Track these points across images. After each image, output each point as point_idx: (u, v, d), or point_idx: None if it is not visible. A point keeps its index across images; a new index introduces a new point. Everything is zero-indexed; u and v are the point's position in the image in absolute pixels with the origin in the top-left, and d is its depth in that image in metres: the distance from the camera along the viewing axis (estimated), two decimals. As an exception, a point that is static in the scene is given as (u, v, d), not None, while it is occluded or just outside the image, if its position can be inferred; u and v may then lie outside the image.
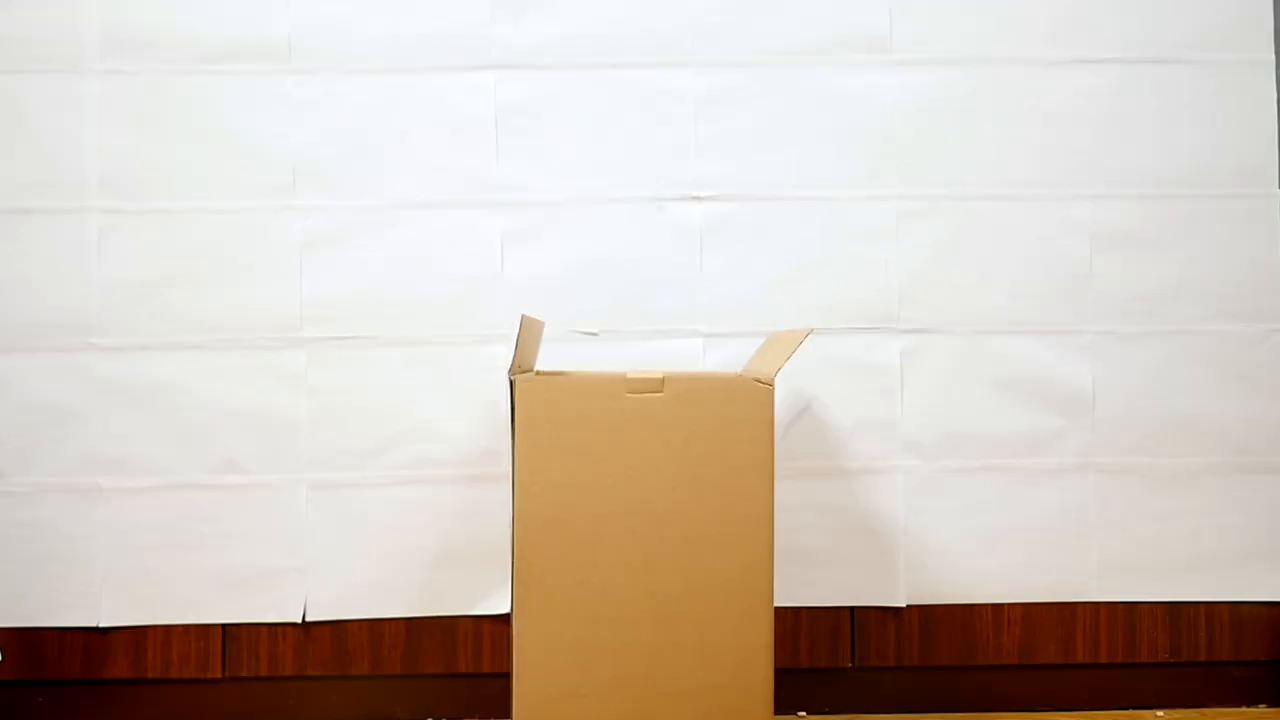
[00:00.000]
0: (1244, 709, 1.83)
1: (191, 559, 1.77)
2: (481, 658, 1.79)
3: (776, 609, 1.42)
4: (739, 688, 1.41)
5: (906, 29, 1.82)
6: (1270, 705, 1.83)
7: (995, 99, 1.82)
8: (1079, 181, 1.83)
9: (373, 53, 1.80)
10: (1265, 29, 1.83)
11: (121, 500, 1.77)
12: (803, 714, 1.80)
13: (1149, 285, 1.82)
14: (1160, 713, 1.81)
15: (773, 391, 1.42)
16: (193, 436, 1.78)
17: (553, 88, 1.81)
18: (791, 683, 1.75)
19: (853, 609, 1.81)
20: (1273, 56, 1.83)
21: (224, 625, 1.78)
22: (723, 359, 1.79)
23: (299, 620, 1.78)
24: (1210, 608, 1.82)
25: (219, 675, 1.78)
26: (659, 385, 1.42)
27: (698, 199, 1.81)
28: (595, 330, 1.80)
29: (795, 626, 1.80)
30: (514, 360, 1.47)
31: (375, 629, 1.79)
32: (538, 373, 1.50)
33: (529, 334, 1.50)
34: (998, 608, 1.82)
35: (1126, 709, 1.83)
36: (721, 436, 1.41)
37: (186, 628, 1.78)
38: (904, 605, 1.81)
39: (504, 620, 1.77)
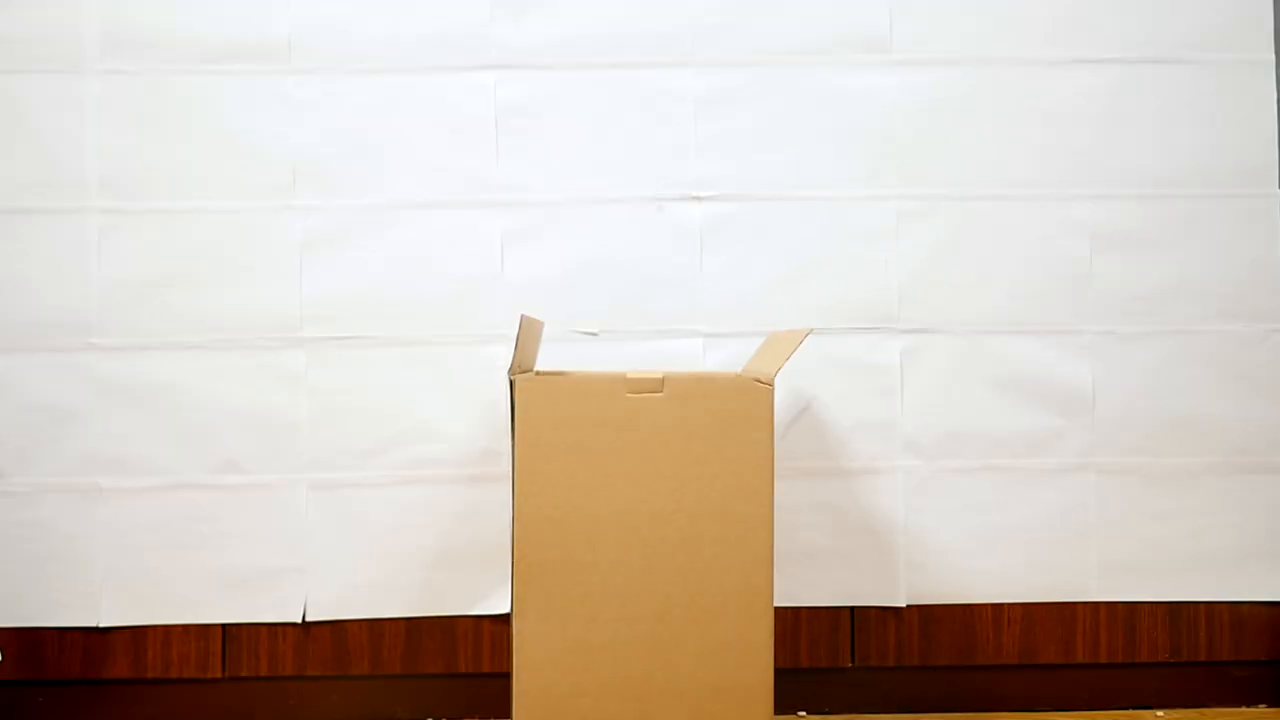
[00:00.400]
0: (1244, 709, 1.83)
1: (191, 559, 1.77)
2: (481, 658, 1.79)
3: (776, 609, 1.43)
4: (739, 688, 1.41)
5: (906, 29, 1.82)
6: (1270, 705, 1.83)
7: (995, 99, 1.82)
8: (1079, 181, 1.83)
9: (373, 53, 1.80)
10: (1265, 29, 1.83)
11: (121, 500, 1.77)
12: (803, 714, 1.80)
13: (1149, 285, 1.82)
14: (1160, 713, 1.81)
15: (773, 391, 1.42)
16: (193, 436, 1.78)
17: (553, 88, 1.81)
18: (791, 683, 1.74)
19: (853, 609, 1.81)
20: (1273, 56, 1.83)
21: (224, 625, 1.78)
22: (723, 359, 1.79)
23: (299, 620, 1.78)
24: (1210, 608, 1.82)
25: (219, 675, 1.79)
26: (659, 385, 1.42)
27: (698, 199, 1.81)
28: (595, 330, 1.80)
29: (795, 626, 1.80)
30: (514, 360, 1.47)
31: (375, 629, 1.79)
32: (538, 373, 1.50)
33: (529, 334, 1.50)
34: (998, 608, 1.82)
35: (1126, 709, 1.83)
36: (721, 436, 1.41)
37: (186, 628, 1.78)
38: (904, 605, 1.81)
39: (504, 620, 1.77)
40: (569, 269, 1.81)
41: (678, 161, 1.81)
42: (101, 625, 1.77)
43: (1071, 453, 1.81)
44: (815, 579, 1.80)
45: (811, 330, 1.48)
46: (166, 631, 1.78)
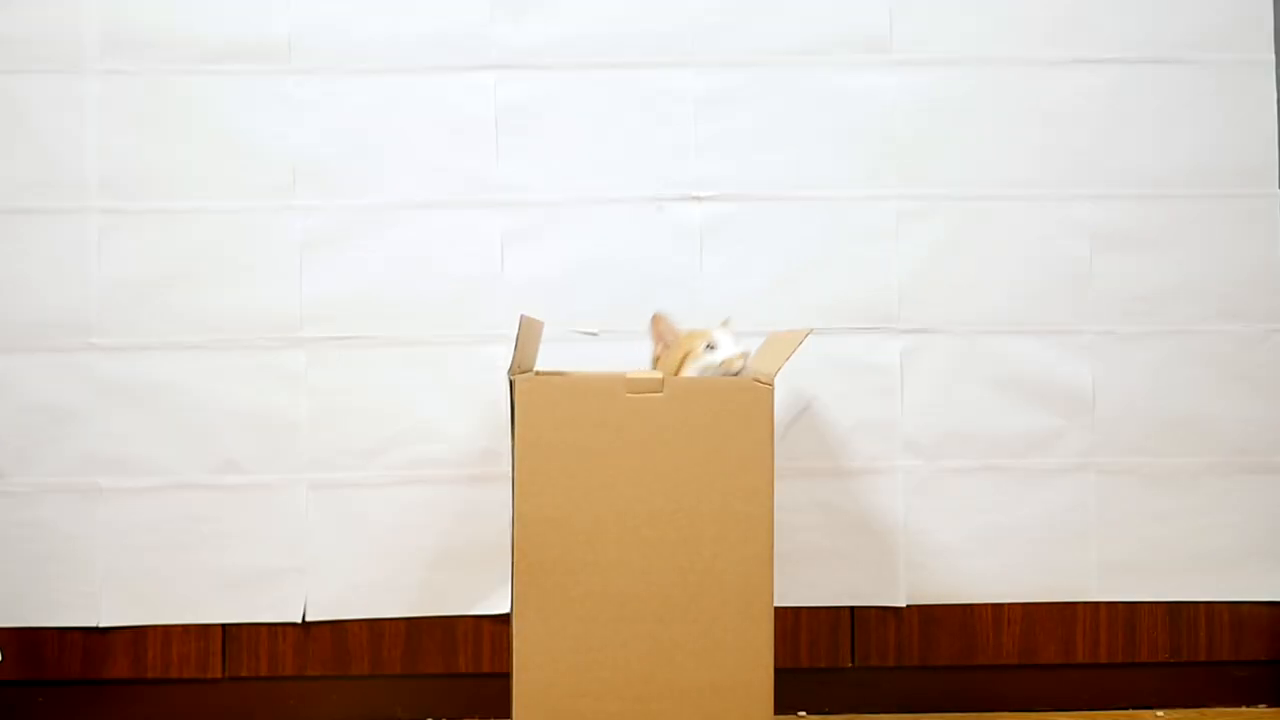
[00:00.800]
0: (1244, 709, 1.83)
1: (191, 559, 1.77)
2: (481, 658, 1.79)
3: (776, 609, 1.42)
4: (739, 688, 1.41)
5: (906, 29, 1.82)
6: (1270, 705, 1.83)
7: (995, 99, 1.82)
8: (1079, 181, 1.83)
9: (373, 53, 1.80)
10: (1265, 29, 1.83)
11: (121, 500, 1.77)
12: (803, 714, 1.80)
13: (1149, 285, 1.82)
14: (1160, 713, 1.81)
15: (773, 391, 1.42)
16: (193, 436, 1.78)
17: (553, 88, 1.81)
18: (791, 683, 1.74)
19: (853, 609, 1.81)
20: (1273, 56, 1.83)
21: (224, 625, 1.78)
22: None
23: (299, 620, 1.78)
24: (1210, 608, 1.82)
25: (219, 675, 1.79)
26: (659, 385, 1.42)
27: (698, 199, 1.81)
28: (595, 330, 1.80)
29: (795, 626, 1.80)
30: (514, 360, 1.47)
31: (375, 629, 1.79)
32: (538, 373, 1.50)
33: (529, 334, 1.50)
34: (998, 608, 1.82)
35: (1126, 709, 1.83)
36: (721, 436, 1.41)
37: (186, 628, 1.78)
38: (904, 605, 1.81)
39: (504, 620, 1.77)
40: (569, 269, 1.81)
41: (678, 161, 1.81)
42: (101, 625, 1.77)
43: (1071, 453, 1.81)
44: (815, 579, 1.80)
45: (811, 330, 1.48)
46: (166, 631, 1.78)
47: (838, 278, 1.81)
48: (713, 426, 1.41)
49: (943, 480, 1.81)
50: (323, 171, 1.80)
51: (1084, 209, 1.82)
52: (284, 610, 1.78)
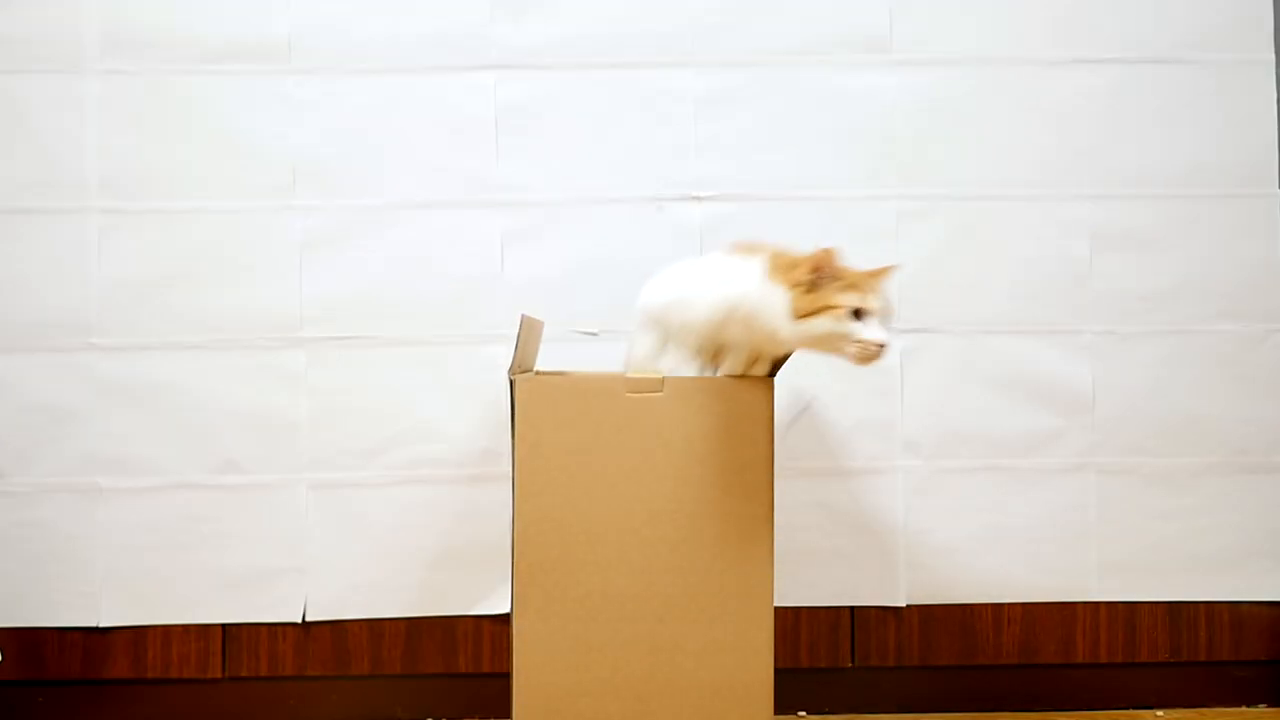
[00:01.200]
0: (1244, 709, 1.83)
1: (191, 559, 1.77)
2: (481, 658, 1.79)
3: (776, 609, 1.42)
4: (739, 688, 1.41)
5: (906, 29, 1.82)
6: (1270, 705, 1.83)
7: (995, 99, 1.82)
8: (1079, 181, 1.83)
9: (373, 53, 1.80)
10: (1265, 29, 1.83)
11: (121, 500, 1.77)
12: (803, 714, 1.80)
13: (1149, 285, 1.82)
14: (1160, 713, 1.81)
15: (773, 391, 1.42)
16: (193, 436, 1.78)
17: (553, 88, 1.81)
18: (791, 683, 1.74)
19: (853, 609, 1.81)
20: (1273, 56, 1.83)
21: (224, 625, 1.78)
22: (723, 359, 1.79)
23: (299, 620, 1.78)
24: (1210, 608, 1.82)
25: (219, 675, 1.78)
26: (659, 385, 1.42)
27: (698, 199, 1.81)
28: (595, 330, 1.80)
29: (795, 626, 1.80)
30: (514, 360, 1.47)
31: (375, 629, 1.79)
32: (538, 373, 1.50)
33: (529, 334, 1.50)
34: (998, 607, 1.82)
35: (1126, 709, 1.83)
36: (721, 436, 1.41)
37: (186, 628, 1.78)
38: (904, 605, 1.81)
39: (504, 620, 1.77)
40: (569, 269, 1.81)
41: (678, 161, 1.81)
42: (101, 625, 1.77)
43: (1071, 453, 1.81)
44: (815, 579, 1.80)
45: (811, 330, 1.48)
46: (166, 631, 1.78)
47: (838, 278, 1.81)
48: (713, 426, 1.41)
49: (943, 480, 1.81)
50: (323, 171, 1.80)
51: (1084, 209, 1.82)
52: (284, 610, 1.78)
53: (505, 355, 1.77)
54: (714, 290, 1.42)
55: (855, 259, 1.79)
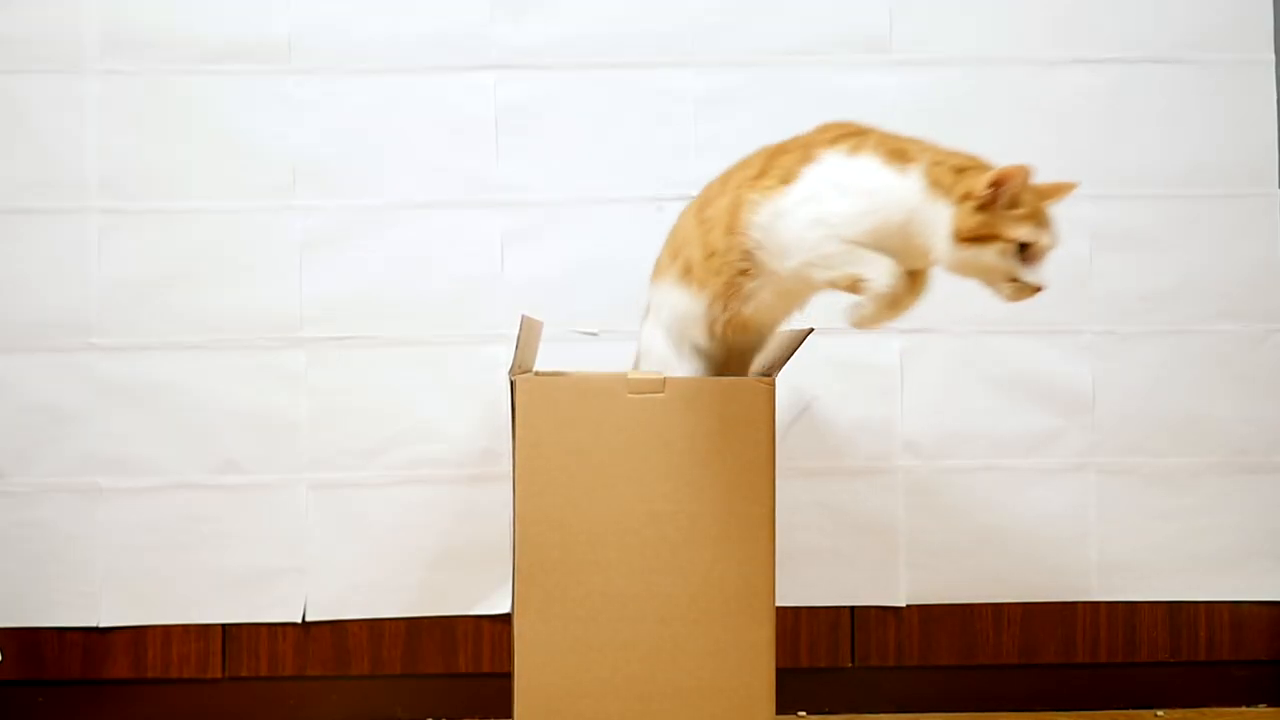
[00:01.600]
0: (1244, 709, 1.83)
1: (191, 559, 1.77)
2: (481, 658, 1.79)
3: (777, 609, 1.42)
4: (740, 688, 1.41)
5: (906, 29, 1.82)
6: (1270, 705, 1.83)
7: (995, 99, 1.82)
8: (1079, 181, 1.82)
9: (373, 53, 1.80)
10: (1265, 29, 1.83)
11: (121, 500, 1.77)
12: (803, 714, 1.80)
13: (1149, 285, 1.82)
14: (1160, 713, 1.81)
15: (773, 391, 1.42)
16: (193, 436, 1.78)
17: (553, 88, 1.81)
18: (791, 683, 1.74)
19: (853, 609, 1.81)
20: (1273, 56, 1.83)
21: (224, 625, 1.78)
22: (723, 359, 1.78)
23: (299, 620, 1.78)
24: (1210, 608, 1.82)
25: (219, 675, 1.78)
26: (659, 385, 1.42)
27: (698, 199, 1.81)
28: (595, 330, 1.80)
29: (795, 626, 1.80)
30: (514, 360, 1.47)
31: (375, 629, 1.79)
32: (538, 373, 1.50)
33: (529, 334, 1.50)
34: (998, 607, 1.82)
35: (1126, 709, 1.83)
36: (722, 436, 1.41)
37: (186, 628, 1.78)
38: (904, 605, 1.81)
39: (504, 620, 1.77)
40: (569, 269, 1.81)
41: (678, 161, 1.81)
42: (101, 625, 1.77)
43: (1071, 453, 1.81)
44: (815, 579, 1.80)
45: (812, 329, 1.47)
46: (166, 631, 1.78)
47: (838, 278, 1.81)
48: (713, 426, 1.41)
49: (943, 480, 1.81)
50: (323, 171, 1.80)
51: (1084, 209, 1.82)
52: (284, 610, 1.78)
53: (505, 355, 1.77)
54: (855, 202, 1.22)
55: (855, 259, 1.81)
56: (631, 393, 1.41)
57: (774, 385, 1.42)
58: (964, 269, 1.22)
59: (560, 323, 1.75)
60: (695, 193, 1.81)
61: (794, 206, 1.26)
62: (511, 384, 1.46)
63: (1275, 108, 1.83)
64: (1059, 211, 1.81)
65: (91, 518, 1.77)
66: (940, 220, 1.19)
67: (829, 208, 1.23)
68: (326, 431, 1.78)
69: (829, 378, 1.80)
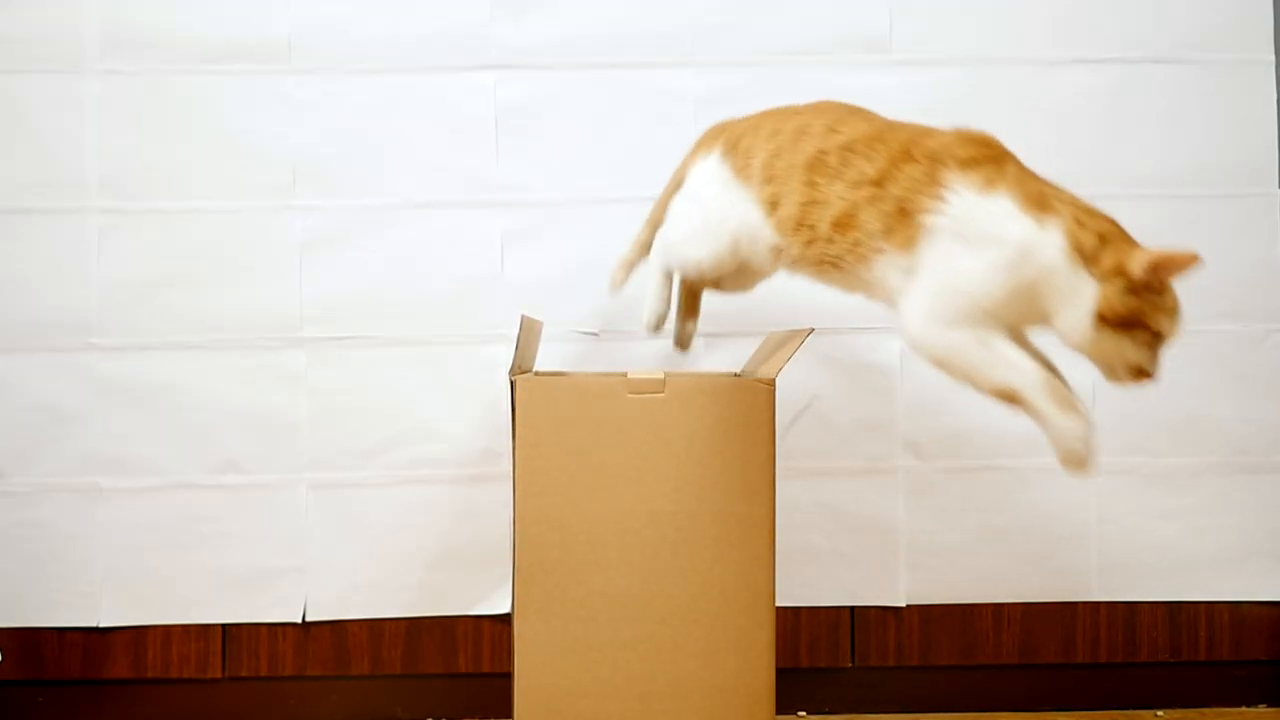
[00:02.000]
0: (1244, 709, 1.83)
1: (191, 559, 1.77)
2: (481, 658, 1.79)
3: (777, 609, 1.42)
4: (740, 688, 1.41)
5: (906, 29, 1.82)
6: (1270, 705, 1.83)
7: (995, 99, 1.82)
8: (1079, 181, 1.80)
9: (373, 53, 1.80)
10: (1265, 29, 1.83)
11: (121, 500, 1.77)
12: (803, 714, 1.80)
13: (1149, 285, 1.82)
14: (1160, 713, 1.81)
15: (773, 391, 1.42)
16: (193, 436, 1.78)
17: (553, 88, 1.81)
18: (791, 683, 1.74)
19: (853, 609, 1.81)
20: (1273, 56, 1.83)
21: (224, 625, 1.78)
22: (723, 359, 1.79)
23: (299, 620, 1.78)
24: (1210, 608, 1.82)
25: (219, 675, 1.78)
26: (659, 385, 1.42)
27: (698, 199, 1.81)
28: (595, 330, 1.80)
29: (795, 626, 1.80)
30: (514, 360, 1.47)
31: (375, 629, 1.79)
32: (538, 373, 1.50)
33: (529, 334, 1.50)
34: (998, 607, 1.82)
35: (1126, 709, 1.83)
36: (722, 436, 1.41)
37: (186, 628, 1.78)
38: (904, 605, 1.81)
39: (504, 620, 1.77)
40: (569, 269, 1.80)
41: (678, 161, 1.80)
42: (101, 625, 1.77)
43: (1071, 453, 1.81)
44: (815, 579, 1.80)
45: (812, 330, 1.48)
46: (166, 631, 1.78)
47: (838, 278, 1.81)
48: (713, 426, 1.41)
49: (943, 480, 1.81)
50: (323, 171, 1.80)
51: (1084, 209, 1.82)
52: (284, 610, 1.78)
53: (505, 355, 1.77)
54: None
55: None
56: (631, 393, 1.42)
57: (774, 385, 1.42)
58: (1093, 349, 1.10)
59: (560, 323, 1.76)
60: (695, 193, 1.81)
61: (925, 270, 1.14)
62: (511, 384, 1.46)
63: (1275, 108, 1.83)
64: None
65: (91, 518, 1.77)
66: (1081, 293, 1.08)
67: (960, 266, 1.11)
68: (326, 431, 1.78)
69: (829, 378, 1.80)
